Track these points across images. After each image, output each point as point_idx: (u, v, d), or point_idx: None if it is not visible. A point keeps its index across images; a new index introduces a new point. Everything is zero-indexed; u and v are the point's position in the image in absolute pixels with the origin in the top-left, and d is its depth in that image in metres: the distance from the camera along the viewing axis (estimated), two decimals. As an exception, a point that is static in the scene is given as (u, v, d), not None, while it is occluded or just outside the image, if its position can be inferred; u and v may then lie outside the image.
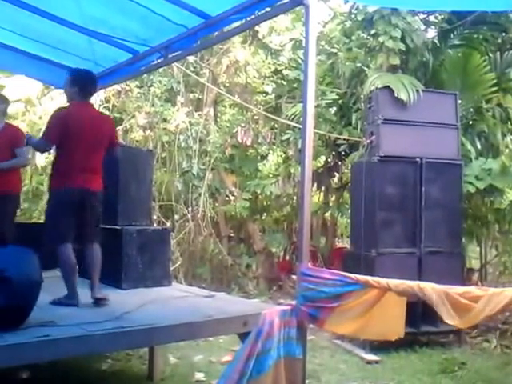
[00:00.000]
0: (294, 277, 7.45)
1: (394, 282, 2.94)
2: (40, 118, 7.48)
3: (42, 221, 6.93)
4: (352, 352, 5.09)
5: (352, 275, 3.09)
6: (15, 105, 7.14)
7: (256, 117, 8.93)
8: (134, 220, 4.68)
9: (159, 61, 4.98)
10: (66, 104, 4.08)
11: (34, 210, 7.63)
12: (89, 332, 2.84)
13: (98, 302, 3.60)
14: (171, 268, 5.55)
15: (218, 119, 9.13)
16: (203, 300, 3.90)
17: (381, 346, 4.81)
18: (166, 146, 8.34)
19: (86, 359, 4.39)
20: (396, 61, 6.46)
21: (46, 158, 7.34)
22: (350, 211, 6.65)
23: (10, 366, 3.08)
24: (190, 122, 8.26)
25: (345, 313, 3.04)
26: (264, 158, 9.07)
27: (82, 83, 3.86)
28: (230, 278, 8.16)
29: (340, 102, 7.73)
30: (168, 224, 7.90)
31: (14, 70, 6.43)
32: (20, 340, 2.67)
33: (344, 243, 9.52)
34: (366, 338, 4.38)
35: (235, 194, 8.64)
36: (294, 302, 3.20)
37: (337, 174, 8.75)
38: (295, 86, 8.08)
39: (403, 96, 5.51)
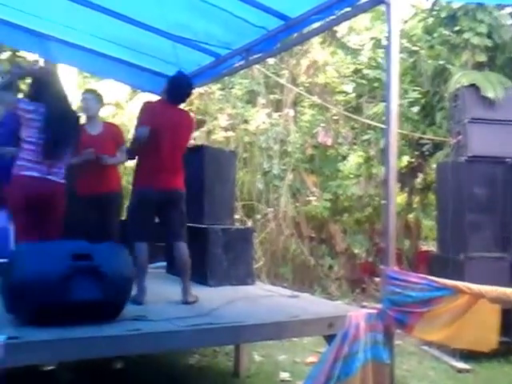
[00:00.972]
0: (377, 279, 7.30)
1: (486, 288, 2.82)
2: (128, 120, 7.81)
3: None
4: (441, 359, 4.90)
5: (440, 280, 2.99)
6: (106, 108, 7.49)
7: (336, 117, 8.86)
8: (218, 219, 4.77)
9: (241, 63, 5.04)
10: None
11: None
12: (178, 327, 2.92)
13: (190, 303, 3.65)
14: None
15: (298, 120, 9.12)
16: (288, 300, 3.89)
17: (471, 355, 4.59)
18: (248, 146, 8.44)
19: (175, 353, 4.54)
20: (482, 58, 6.21)
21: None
22: (435, 213, 6.43)
23: (106, 356, 3.28)
24: (270, 122, 8.32)
25: (434, 319, 2.95)
26: (344, 158, 8.96)
27: (178, 88, 3.88)
28: (311, 278, 8.12)
29: (423, 100, 7.50)
30: (249, 223, 7.98)
31: (104, 75, 6.75)
32: (114, 332, 2.80)
33: (429, 246, 9.19)
34: (457, 346, 4.20)
35: (316, 194, 8.59)
36: (379, 306, 3.14)
37: (420, 175, 8.50)
38: (376, 85, 7.94)
39: (490, 94, 5.31)
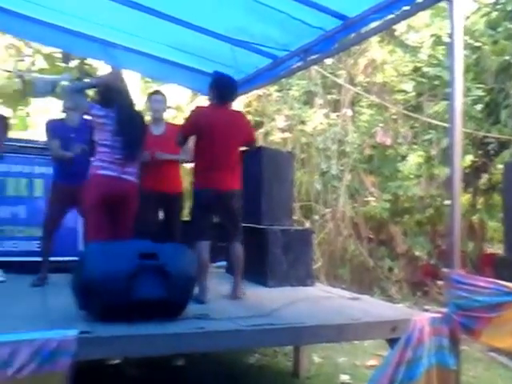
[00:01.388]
0: (439, 282, 7.11)
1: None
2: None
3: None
4: (508, 366, 4.70)
5: (510, 284, 2.89)
6: (168, 111, 7.69)
7: (395, 116, 8.69)
8: (277, 220, 4.79)
9: (298, 64, 5.04)
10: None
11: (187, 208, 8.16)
12: (240, 326, 2.95)
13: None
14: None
15: (356, 120, 9.02)
16: (348, 302, 3.86)
17: (542, 362, 4.39)
18: (305, 147, 8.42)
19: (234, 352, 4.59)
20: (549, 52, 5.90)
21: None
22: (501, 214, 6.18)
23: (170, 354, 3.37)
24: (327, 123, 8.27)
25: (503, 325, 2.85)
26: (404, 158, 8.77)
27: (221, 88, 3.95)
28: (370, 280, 8.00)
29: (486, 98, 7.23)
30: (307, 224, 7.96)
31: (165, 80, 6.92)
32: (178, 330, 2.87)
33: (494, 248, 8.85)
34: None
35: (374, 194, 8.46)
36: (444, 310, 3.06)
37: (485, 175, 8.20)
38: (436, 83, 7.71)
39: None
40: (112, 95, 3.73)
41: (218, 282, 4.30)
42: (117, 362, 4.05)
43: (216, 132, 3.77)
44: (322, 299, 3.93)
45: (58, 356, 2.50)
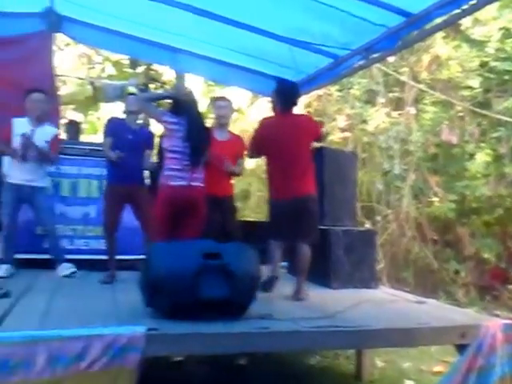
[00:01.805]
0: (510, 287, 6.81)
1: None
2: (249, 125, 8.05)
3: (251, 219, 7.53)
4: None
5: None
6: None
7: (461, 113, 8.39)
8: (339, 221, 4.76)
9: (360, 63, 4.97)
10: (270, 113, 4.30)
11: (244, 209, 8.25)
12: (304, 328, 2.94)
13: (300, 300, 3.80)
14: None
15: (420, 118, 8.79)
16: (414, 305, 3.77)
17: None
18: (366, 146, 8.30)
19: (296, 353, 4.58)
20: None
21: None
22: None
23: (233, 353, 3.41)
24: (390, 121, 8.11)
25: None
26: (472, 156, 8.46)
27: (285, 94, 4.02)
28: (436, 283, 7.76)
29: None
30: (368, 225, 7.84)
31: (227, 82, 7.03)
32: (243, 330, 2.90)
33: None
34: None
35: (439, 194, 8.21)
36: (517, 316, 2.94)
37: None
38: (506, 78, 7.38)
39: None
40: (182, 104, 3.88)
41: (281, 282, 4.29)
42: (180, 359, 4.13)
43: (284, 141, 3.87)
44: (386, 302, 3.86)
45: (127, 351, 2.59)
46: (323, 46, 4.81)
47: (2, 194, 4.62)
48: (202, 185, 3.92)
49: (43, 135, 4.54)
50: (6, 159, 4.69)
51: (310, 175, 3.99)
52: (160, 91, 4.43)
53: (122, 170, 4.33)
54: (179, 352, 3.34)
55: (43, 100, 4.60)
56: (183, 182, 3.79)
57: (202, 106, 9.10)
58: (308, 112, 8.30)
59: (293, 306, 3.63)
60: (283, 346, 3.01)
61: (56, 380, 2.48)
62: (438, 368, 4.31)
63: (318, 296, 4.00)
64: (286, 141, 3.87)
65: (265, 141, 3.97)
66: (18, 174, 4.51)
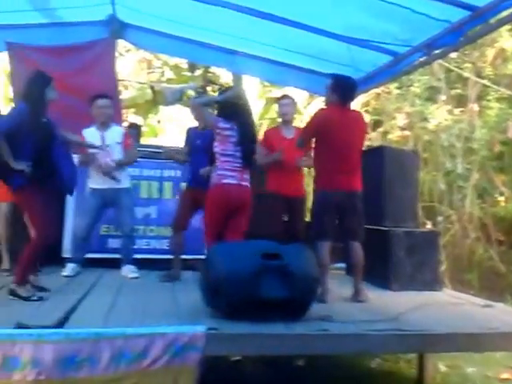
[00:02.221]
0: None
1: None
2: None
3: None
4: None
5: None
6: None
7: (529, 109, 8.02)
8: (400, 221, 4.64)
9: (421, 60, 4.84)
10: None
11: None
12: (365, 331, 2.91)
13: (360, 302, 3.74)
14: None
15: (483, 114, 8.46)
16: (480, 309, 3.64)
17: None
18: (427, 145, 8.07)
19: (355, 355, 4.51)
20: None
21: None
22: None
23: (292, 354, 3.40)
24: (452, 119, 7.85)
25: None
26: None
27: (343, 90, 3.95)
28: (502, 287, 7.43)
29: None
30: (429, 226, 7.62)
31: (283, 83, 7.02)
32: (303, 331, 2.89)
33: None
34: None
35: (506, 194, 7.86)
36: None
37: None
38: None
39: None
40: (235, 108, 3.95)
41: (339, 283, 4.25)
42: (237, 358, 4.16)
43: (338, 134, 3.82)
44: (450, 305, 3.75)
45: (188, 350, 2.64)
46: (382, 43, 4.72)
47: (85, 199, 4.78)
48: (249, 186, 4.00)
49: (113, 137, 4.69)
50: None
51: (359, 172, 3.95)
52: (213, 95, 4.54)
53: (196, 174, 4.46)
54: (238, 352, 3.36)
55: (108, 105, 4.74)
56: (234, 181, 3.90)
57: (258, 107, 9.19)
58: (366, 111, 8.17)
59: (352, 307, 3.59)
60: (343, 348, 2.98)
61: (119, 377, 2.55)
62: (505, 375, 4.12)
63: (378, 298, 3.94)
64: (342, 134, 3.82)
65: (319, 132, 3.91)
66: (100, 179, 4.62)
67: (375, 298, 3.91)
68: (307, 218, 4.73)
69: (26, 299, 3.46)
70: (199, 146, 4.49)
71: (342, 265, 5.07)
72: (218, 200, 3.89)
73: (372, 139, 7.88)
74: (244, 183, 3.96)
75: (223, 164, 3.92)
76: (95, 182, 4.67)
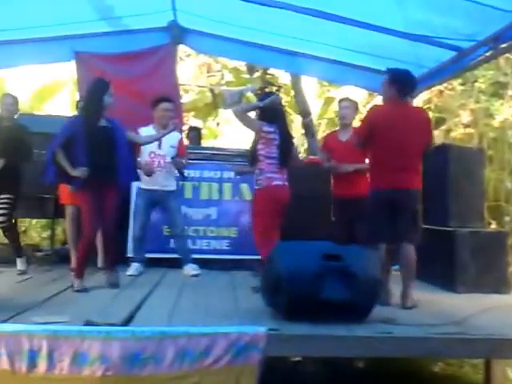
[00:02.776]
0: None
1: None
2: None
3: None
4: None
5: None
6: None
7: None
8: (466, 221, 4.48)
9: (487, 54, 4.66)
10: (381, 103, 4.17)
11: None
12: (430, 334, 2.84)
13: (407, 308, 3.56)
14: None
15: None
16: (553, 314, 3.46)
17: None
18: (492, 142, 7.75)
19: (418, 358, 4.40)
20: None
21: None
22: None
23: (355, 356, 3.35)
24: (520, 115, 7.51)
25: None
26: None
27: (401, 83, 3.77)
28: None
29: None
30: (495, 226, 7.30)
31: (341, 82, 6.97)
32: (366, 333, 2.85)
33: None
34: None
35: None
36: None
37: None
38: None
39: None
40: (276, 113, 4.18)
41: (397, 285, 4.14)
42: (298, 359, 4.15)
43: (394, 130, 3.65)
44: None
45: (250, 350, 2.66)
46: (446, 38, 4.58)
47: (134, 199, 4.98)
48: (287, 185, 4.22)
49: (170, 141, 4.79)
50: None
51: (416, 170, 3.74)
52: (254, 102, 5.00)
53: None
54: (299, 353, 3.35)
55: (171, 108, 4.85)
56: (281, 183, 4.15)
57: (317, 107, 9.15)
58: (428, 108, 7.94)
59: (416, 310, 3.50)
60: (407, 351, 2.92)
61: (182, 375, 2.61)
62: None
63: (443, 300, 3.83)
64: (399, 130, 3.63)
65: (372, 129, 3.73)
66: (150, 179, 4.72)
67: (440, 300, 3.81)
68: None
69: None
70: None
71: (396, 267, 4.94)
72: (270, 201, 4.06)
73: (434, 137, 7.65)
74: (286, 183, 4.20)
75: (269, 166, 4.13)
76: (145, 182, 4.76)
